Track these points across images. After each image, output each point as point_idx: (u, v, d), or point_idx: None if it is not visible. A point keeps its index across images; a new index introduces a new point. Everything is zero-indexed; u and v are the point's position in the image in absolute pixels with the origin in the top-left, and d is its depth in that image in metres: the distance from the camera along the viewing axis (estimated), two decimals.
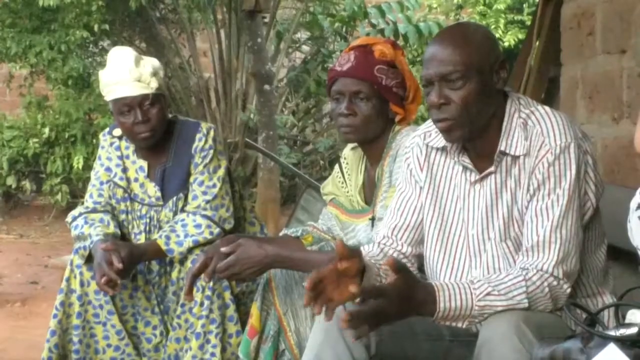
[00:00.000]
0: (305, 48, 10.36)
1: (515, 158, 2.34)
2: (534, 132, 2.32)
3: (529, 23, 7.32)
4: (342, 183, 3.13)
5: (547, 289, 2.26)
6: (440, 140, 2.48)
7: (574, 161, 2.30)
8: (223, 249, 2.93)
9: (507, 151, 2.34)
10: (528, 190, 2.32)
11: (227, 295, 3.34)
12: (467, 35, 2.36)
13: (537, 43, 5.18)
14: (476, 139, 2.39)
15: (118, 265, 3.19)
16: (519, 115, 2.36)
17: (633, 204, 1.98)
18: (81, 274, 3.36)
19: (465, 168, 2.43)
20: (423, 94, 2.55)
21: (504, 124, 2.36)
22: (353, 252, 2.20)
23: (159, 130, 3.43)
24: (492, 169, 2.38)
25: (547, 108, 2.37)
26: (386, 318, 2.17)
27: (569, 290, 2.30)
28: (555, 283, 2.27)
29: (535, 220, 2.30)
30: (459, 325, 2.24)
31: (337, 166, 3.17)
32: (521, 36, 9.46)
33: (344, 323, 2.11)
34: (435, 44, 2.37)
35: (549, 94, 5.27)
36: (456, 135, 2.37)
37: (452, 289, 2.22)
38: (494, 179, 2.38)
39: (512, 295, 2.23)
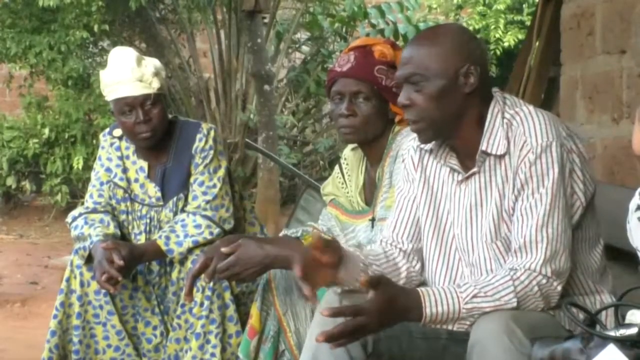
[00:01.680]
0: (305, 48, 10.36)
1: (500, 158, 2.35)
2: (517, 132, 2.33)
3: (528, 23, 7.32)
4: (342, 184, 3.12)
5: (536, 288, 2.26)
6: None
7: (557, 160, 2.30)
8: (223, 249, 2.92)
9: (489, 151, 2.35)
10: (514, 190, 2.33)
11: (227, 295, 3.34)
12: (433, 39, 2.39)
13: (537, 43, 5.18)
14: (455, 139, 2.41)
15: (119, 262, 3.20)
16: (503, 115, 2.36)
17: (632, 205, 1.98)
18: (81, 274, 3.37)
19: (452, 169, 2.45)
20: None
21: (486, 124, 2.36)
22: (329, 244, 2.36)
23: (160, 130, 3.43)
24: (475, 169, 2.39)
25: (531, 107, 2.37)
26: (368, 332, 2.24)
27: (559, 288, 2.30)
28: (544, 282, 2.27)
29: (521, 220, 2.31)
30: (449, 328, 2.26)
31: (337, 167, 3.17)
32: (521, 36, 9.45)
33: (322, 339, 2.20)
34: (407, 46, 2.43)
35: (548, 94, 5.28)
36: (423, 137, 2.41)
37: (439, 294, 2.24)
38: (478, 179, 2.39)
39: (500, 296, 2.24)
